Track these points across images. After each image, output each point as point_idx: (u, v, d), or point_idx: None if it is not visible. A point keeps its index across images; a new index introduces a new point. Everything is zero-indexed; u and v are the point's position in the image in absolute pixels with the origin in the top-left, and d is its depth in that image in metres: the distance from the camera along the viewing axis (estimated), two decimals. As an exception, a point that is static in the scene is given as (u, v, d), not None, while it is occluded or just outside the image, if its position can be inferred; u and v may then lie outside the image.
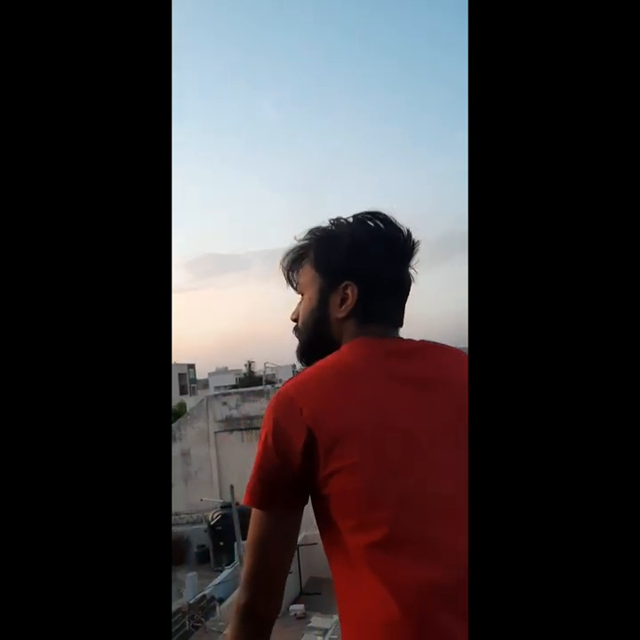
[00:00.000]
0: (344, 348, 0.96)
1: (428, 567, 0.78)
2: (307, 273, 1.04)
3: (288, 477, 0.87)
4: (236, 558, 10.15)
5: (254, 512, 0.91)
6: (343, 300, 0.99)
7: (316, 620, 6.65)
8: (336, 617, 6.95)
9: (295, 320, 1.07)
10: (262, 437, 0.89)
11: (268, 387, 17.86)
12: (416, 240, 1.02)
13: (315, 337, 1.03)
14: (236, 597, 0.96)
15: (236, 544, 10.38)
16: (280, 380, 20.77)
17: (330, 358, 0.95)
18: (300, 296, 1.08)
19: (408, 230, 1.01)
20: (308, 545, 8.77)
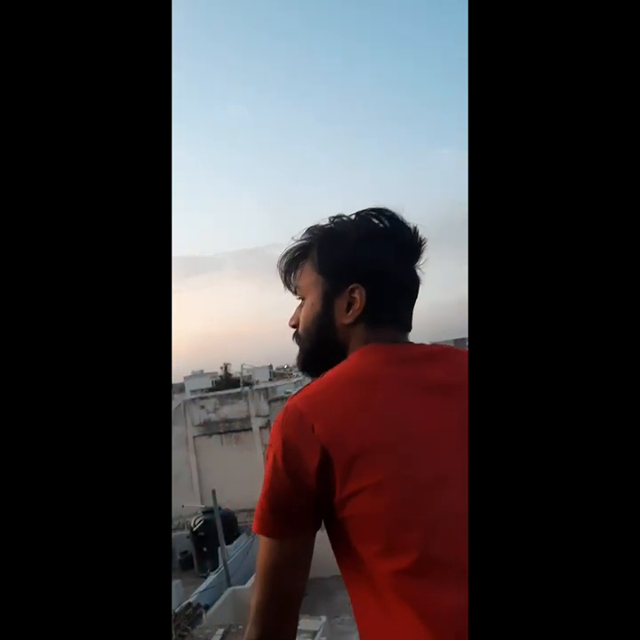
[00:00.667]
0: (354, 355, 0.89)
1: (461, 591, 0.70)
2: (307, 275, 0.96)
3: (301, 501, 0.79)
4: (221, 563, 10.07)
5: (265, 540, 0.83)
6: (350, 305, 0.91)
7: (305, 623, 6.58)
8: (324, 618, 6.91)
9: (294, 326, 0.99)
10: (270, 458, 0.81)
11: (246, 389, 17.76)
12: (423, 238, 0.95)
13: (319, 345, 0.95)
14: (246, 633, 0.88)
15: (219, 549, 10.31)
16: (257, 382, 20.70)
17: (339, 367, 0.87)
18: (299, 300, 1.00)
19: (415, 227, 0.94)
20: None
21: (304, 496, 0.79)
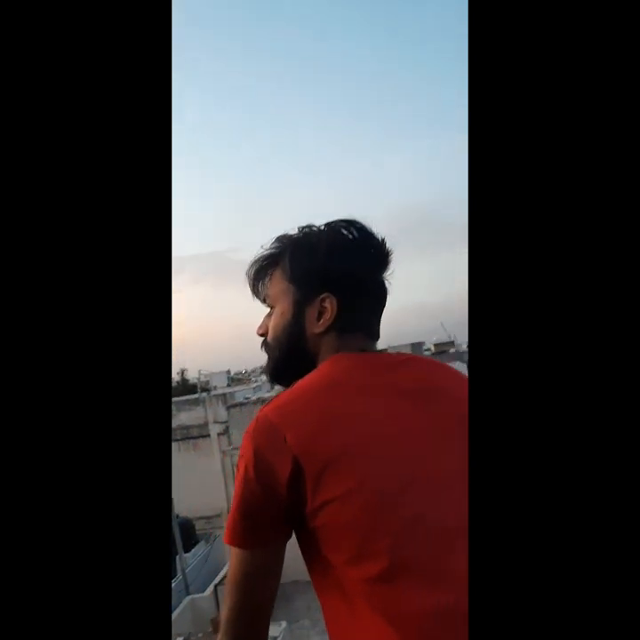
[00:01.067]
0: (324, 364, 0.90)
1: (433, 595, 0.72)
2: (277, 284, 0.97)
3: (273, 512, 0.80)
4: (179, 572, 9.92)
5: (236, 551, 0.84)
6: (321, 314, 0.92)
7: (264, 629, 6.54)
8: (284, 623, 6.88)
9: (262, 335, 1.00)
10: (241, 469, 0.81)
11: (204, 394, 17.54)
12: (390, 249, 0.97)
13: (289, 353, 0.96)
14: None
15: (177, 557, 10.15)
16: (215, 387, 20.46)
17: (310, 377, 0.88)
18: (268, 309, 1.00)
19: (383, 239, 0.97)
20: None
21: (276, 506, 0.79)
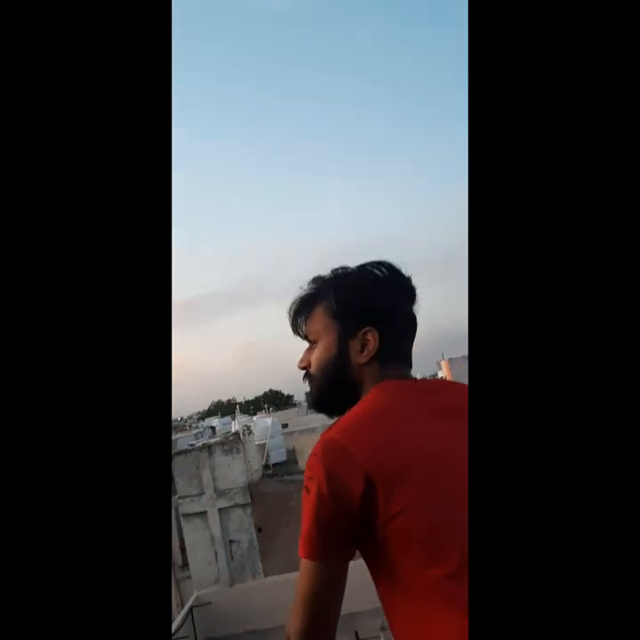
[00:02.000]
0: (374, 391, 0.99)
1: None
2: (320, 320, 1.07)
3: (347, 525, 0.87)
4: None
5: (308, 564, 0.89)
6: (364, 346, 1.02)
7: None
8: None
9: (304, 368, 1.09)
10: (313, 489, 0.88)
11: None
12: (416, 284, 1.09)
13: (334, 383, 1.05)
14: None
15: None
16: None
17: (364, 403, 0.97)
18: (308, 343, 1.10)
19: (410, 276, 1.08)
20: (201, 605, 8.38)
21: (349, 520, 0.86)
